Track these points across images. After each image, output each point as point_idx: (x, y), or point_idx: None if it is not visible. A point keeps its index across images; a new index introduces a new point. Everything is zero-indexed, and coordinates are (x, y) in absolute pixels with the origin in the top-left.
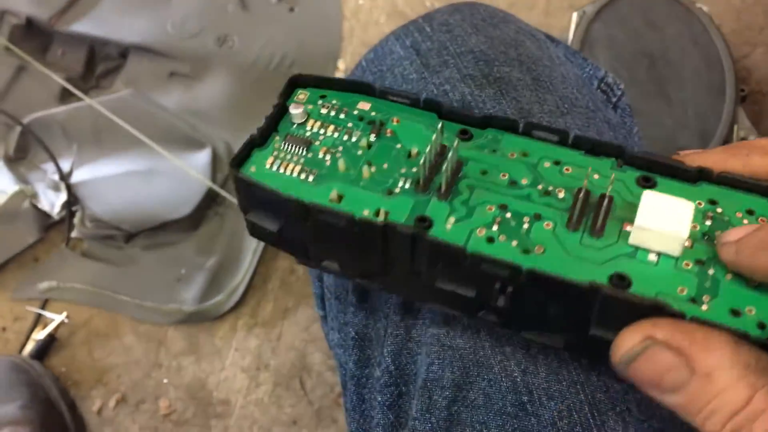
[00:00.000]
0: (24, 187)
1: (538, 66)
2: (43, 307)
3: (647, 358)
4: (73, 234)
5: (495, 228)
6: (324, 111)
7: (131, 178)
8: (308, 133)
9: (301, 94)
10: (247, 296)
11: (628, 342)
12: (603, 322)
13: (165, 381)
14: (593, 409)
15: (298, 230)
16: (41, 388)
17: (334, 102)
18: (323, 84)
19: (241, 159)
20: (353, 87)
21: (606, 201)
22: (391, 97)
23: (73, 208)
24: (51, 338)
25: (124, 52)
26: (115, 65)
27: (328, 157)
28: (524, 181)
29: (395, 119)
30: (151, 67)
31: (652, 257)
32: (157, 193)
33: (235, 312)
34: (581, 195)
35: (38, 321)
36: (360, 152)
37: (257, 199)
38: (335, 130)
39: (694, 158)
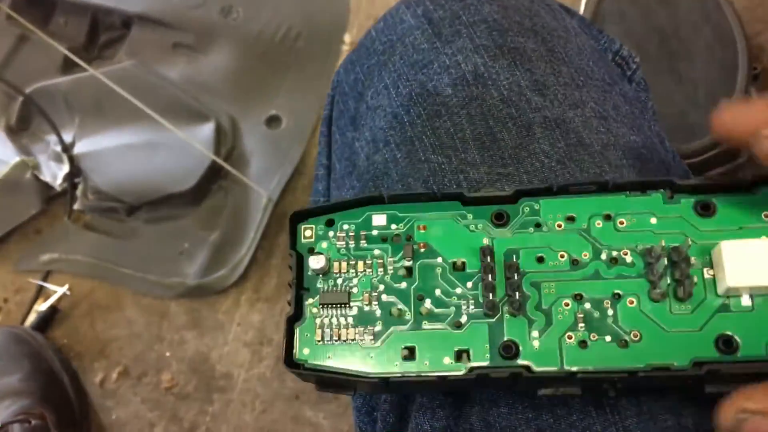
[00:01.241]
0: (26, 159)
1: (554, 37)
2: (45, 279)
3: (750, 428)
4: (76, 206)
5: (581, 327)
6: (341, 245)
7: (134, 150)
8: (339, 281)
9: (307, 230)
10: (250, 271)
11: (725, 417)
12: (716, 382)
13: (167, 354)
14: (605, 389)
15: (381, 390)
16: (43, 359)
17: (345, 227)
18: (324, 211)
19: (289, 350)
20: (359, 203)
21: (680, 256)
22: (404, 200)
23: (76, 180)
24: (53, 310)
25: (127, 21)
26: (118, 35)
27: (375, 305)
28: (585, 256)
29: (420, 226)
30: (154, 37)
31: (746, 301)
32: (159, 166)
33: (238, 286)
34: (651, 255)
35: (40, 293)
36: (404, 285)
37: (327, 380)
38: (365, 266)
39: (733, 117)
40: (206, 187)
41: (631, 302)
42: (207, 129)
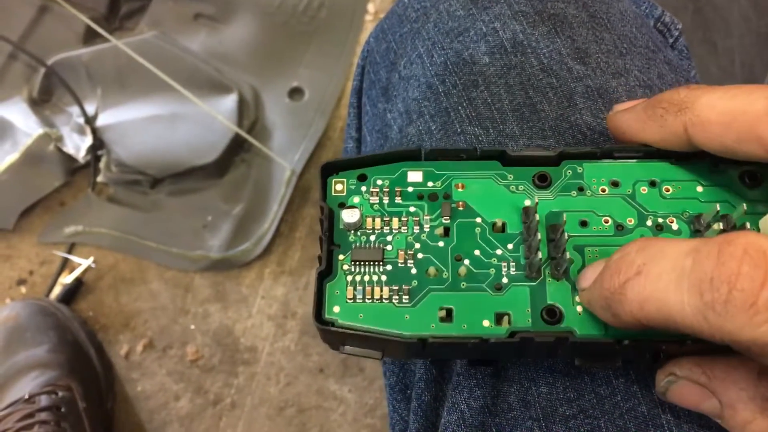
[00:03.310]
0: (49, 130)
1: (595, 2)
2: (69, 252)
3: (676, 390)
4: (99, 178)
5: None
6: (374, 200)
7: (156, 122)
8: (373, 239)
9: (338, 184)
10: (274, 244)
11: (659, 380)
12: None
13: (192, 327)
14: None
15: (414, 353)
16: (69, 331)
17: (379, 183)
18: (358, 164)
19: (318, 307)
20: (394, 157)
21: (729, 224)
22: (442, 156)
23: (99, 153)
24: (78, 282)
25: None
26: (139, 6)
27: (410, 263)
28: (630, 222)
29: (458, 185)
30: (175, 8)
31: None
32: (182, 138)
33: (262, 260)
34: (700, 222)
35: (65, 265)
36: (441, 244)
37: (356, 340)
38: (400, 223)
39: (619, 118)
40: (229, 160)
41: None
42: (230, 101)
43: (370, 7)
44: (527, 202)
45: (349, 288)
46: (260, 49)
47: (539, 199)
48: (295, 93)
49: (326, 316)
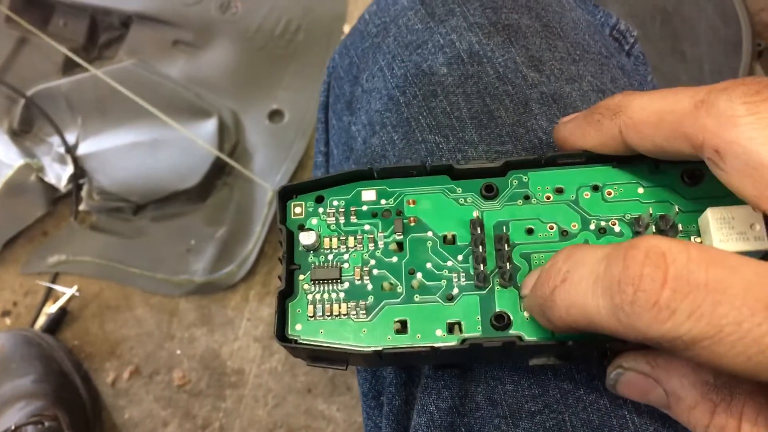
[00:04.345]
0: (30, 161)
1: (548, 12)
2: (53, 281)
3: (624, 382)
4: (81, 207)
5: None
6: (331, 221)
7: (137, 149)
8: (330, 257)
9: (297, 207)
10: (258, 266)
11: (608, 373)
12: None
13: (178, 352)
14: None
15: (376, 363)
16: (54, 361)
17: (335, 203)
18: (313, 186)
19: (281, 325)
20: (348, 178)
21: (668, 224)
22: (393, 174)
23: (80, 181)
24: (62, 312)
25: (126, 21)
26: (118, 35)
27: (366, 280)
28: (574, 227)
29: (410, 201)
30: (154, 36)
31: None
32: (164, 164)
33: (247, 282)
34: (639, 224)
35: (49, 295)
36: (395, 259)
37: (320, 355)
38: (356, 242)
39: (562, 128)
40: (211, 184)
41: None
42: (210, 125)
43: (346, 29)
44: (475, 214)
45: (309, 306)
46: (239, 74)
47: (486, 209)
48: (275, 115)
49: (289, 333)
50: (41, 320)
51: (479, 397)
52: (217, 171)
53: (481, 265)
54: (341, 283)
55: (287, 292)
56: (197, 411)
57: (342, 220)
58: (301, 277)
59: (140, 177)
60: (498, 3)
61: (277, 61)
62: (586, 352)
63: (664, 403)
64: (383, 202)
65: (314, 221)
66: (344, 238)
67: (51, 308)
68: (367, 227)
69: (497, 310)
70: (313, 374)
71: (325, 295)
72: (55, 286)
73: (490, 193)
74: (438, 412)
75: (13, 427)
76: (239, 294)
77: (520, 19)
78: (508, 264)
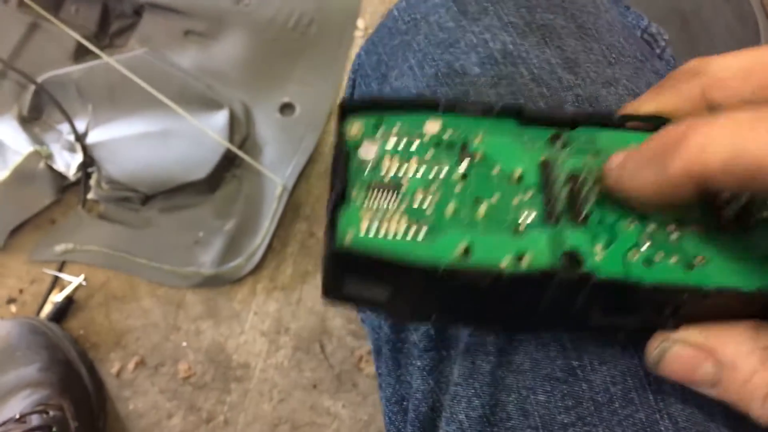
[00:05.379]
0: (39, 148)
1: (583, 13)
2: (60, 270)
3: (670, 357)
4: (90, 196)
5: (647, 246)
6: (391, 143)
7: (147, 139)
8: (389, 177)
9: (355, 126)
10: (266, 260)
11: (652, 347)
12: None
13: (184, 344)
14: (649, 373)
15: (422, 295)
16: (60, 350)
17: (396, 129)
18: (378, 105)
19: (331, 239)
20: (414, 104)
21: None
22: (461, 109)
23: (89, 170)
24: (69, 301)
25: (138, 9)
26: (130, 23)
27: (427, 202)
28: None
29: (477, 137)
30: (166, 25)
31: None
32: (173, 155)
33: (254, 275)
34: None
35: (55, 283)
36: (458, 188)
37: (364, 270)
38: (418, 165)
39: (635, 107)
40: (220, 176)
41: (696, 228)
42: (221, 117)
43: (360, 23)
44: (542, 158)
45: (364, 219)
46: (251, 65)
47: (555, 157)
48: (286, 108)
49: (338, 244)
50: (47, 309)
51: (510, 407)
52: (227, 163)
53: (552, 203)
54: (401, 201)
55: (340, 202)
56: (202, 404)
57: (403, 144)
58: (355, 190)
59: (149, 167)
60: (532, 2)
61: (289, 53)
62: (655, 309)
63: (712, 380)
64: (449, 133)
65: (374, 139)
66: (405, 161)
67: (57, 297)
68: (429, 155)
69: (569, 248)
70: (319, 370)
71: (382, 211)
72: (62, 275)
73: (557, 142)
74: (468, 420)
75: (17, 416)
76: (246, 287)
77: (555, 19)
78: (582, 203)
